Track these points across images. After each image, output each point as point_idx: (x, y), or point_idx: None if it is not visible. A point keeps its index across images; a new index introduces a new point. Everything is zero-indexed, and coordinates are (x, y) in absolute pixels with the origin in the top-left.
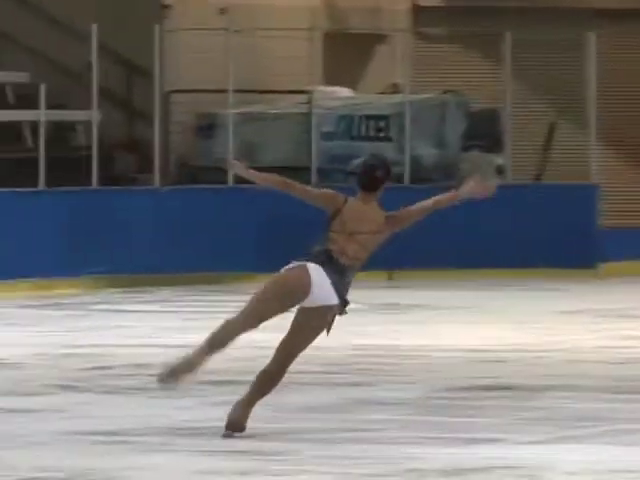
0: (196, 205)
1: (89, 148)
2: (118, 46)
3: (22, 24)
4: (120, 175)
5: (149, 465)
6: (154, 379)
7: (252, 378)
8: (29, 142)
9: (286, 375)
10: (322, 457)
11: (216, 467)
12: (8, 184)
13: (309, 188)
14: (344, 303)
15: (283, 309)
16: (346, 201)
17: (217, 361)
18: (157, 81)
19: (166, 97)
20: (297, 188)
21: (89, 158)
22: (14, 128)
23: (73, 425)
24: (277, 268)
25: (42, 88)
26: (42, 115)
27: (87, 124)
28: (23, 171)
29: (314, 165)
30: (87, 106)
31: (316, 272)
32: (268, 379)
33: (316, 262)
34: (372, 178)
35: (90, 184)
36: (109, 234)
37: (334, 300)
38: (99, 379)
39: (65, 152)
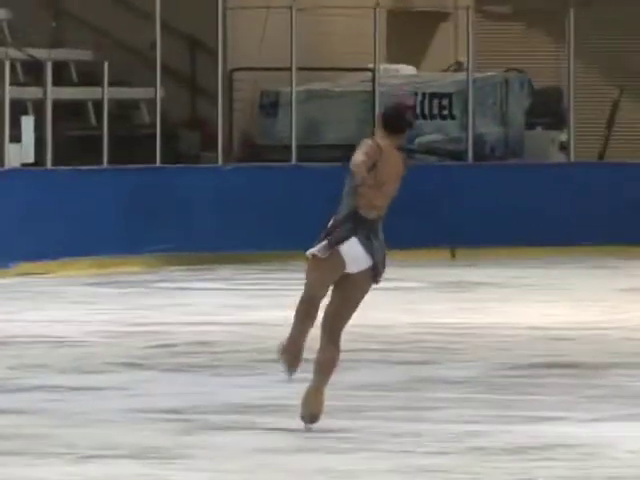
0: (259, 183)
1: (153, 126)
2: (181, 24)
3: (85, 2)
4: (184, 153)
5: (211, 443)
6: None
7: (314, 357)
8: (92, 120)
9: (349, 353)
10: (383, 435)
11: (276, 446)
12: (71, 162)
13: (368, 158)
14: (375, 267)
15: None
16: (381, 151)
17: (279, 339)
18: (220, 59)
19: (229, 75)
20: (370, 163)
21: (153, 136)
22: (77, 106)
23: (136, 403)
24: None
25: (105, 66)
26: (105, 93)
27: (150, 102)
28: (87, 149)
29: None
30: (150, 84)
31: (347, 248)
32: (328, 360)
33: (345, 235)
34: (402, 119)
35: (154, 162)
36: (172, 212)
37: (369, 262)
38: (162, 357)
39: (129, 130)
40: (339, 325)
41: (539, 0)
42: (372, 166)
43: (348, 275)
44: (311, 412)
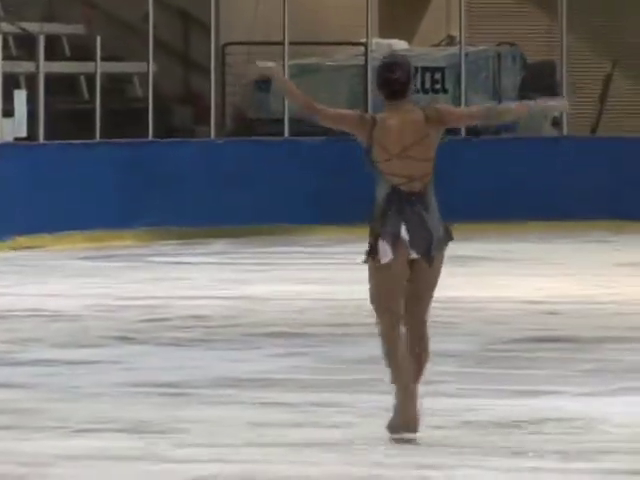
0: (252, 156)
1: (145, 100)
2: None
3: None
4: (177, 127)
5: (204, 417)
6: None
7: (309, 330)
8: (85, 94)
9: (347, 327)
10: (376, 409)
11: (271, 419)
12: (64, 136)
13: (336, 111)
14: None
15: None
16: (374, 122)
17: (273, 313)
18: (213, 33)
19: (222, 49)
20: (325, 114)
21: (145, 110)
22: (70, 80)
23: (130, 377)
24: (333, 220)
25: (98, 40)
26: (98, 67)
27: (143, 76)
28: (79, 123)
29: None
30: (143, 58)
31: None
32: (423, 350)
33: (394, 230)
34: (390, 81)
35: (146, 136)
36: (165, 186)
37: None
38: (156, 331)
39: (123, 104)
40: (419, 308)
41: None
42: (369, 138)
43: (414, 262)
44: (415, 417)
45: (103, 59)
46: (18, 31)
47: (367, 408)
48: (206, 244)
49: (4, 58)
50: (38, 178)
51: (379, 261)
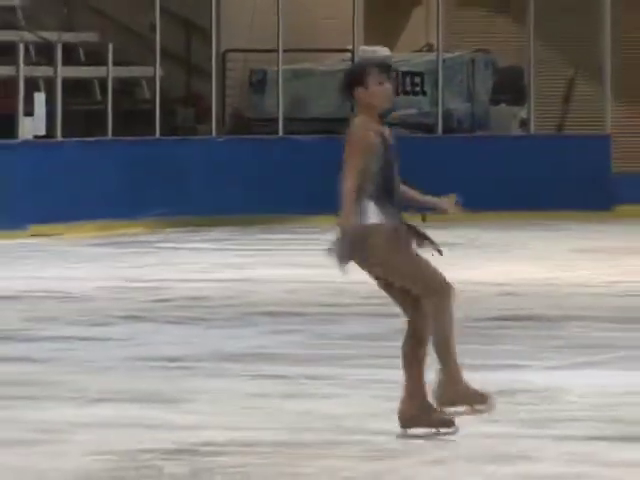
0: (249, 153)
1: (152, 101)
2: (178, 8)
3: None
4: (181, 126)
5: (205, 388)
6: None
7: (302, 310)
8: (98, 96)
9: (335, 307)
10: (366, 381)
11: (267, 390)
12: (79, 134)
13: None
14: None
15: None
16: None
17: (269, 294)
18: (214, 40)
19: (223, 56)
20: None
21: (152, 110)
22: (84, 83)
23: (137, 352)
24: (323, 210)
25: (110, 47)
26: (110, 71)
27: (150, 80)
28: (92, 122)
29: None
30: (150, 63)
31: None
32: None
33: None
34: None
35: (153, 134)
36: (169, 179)
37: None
38: (162, 310)
39: (132, 105)
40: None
41: None
42: None
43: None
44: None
45: (114, 64)
46: (38, 39)
47: (356, 380)
48: (208, 232)
49: (25, 63)
50: (55, 172)
51: None
